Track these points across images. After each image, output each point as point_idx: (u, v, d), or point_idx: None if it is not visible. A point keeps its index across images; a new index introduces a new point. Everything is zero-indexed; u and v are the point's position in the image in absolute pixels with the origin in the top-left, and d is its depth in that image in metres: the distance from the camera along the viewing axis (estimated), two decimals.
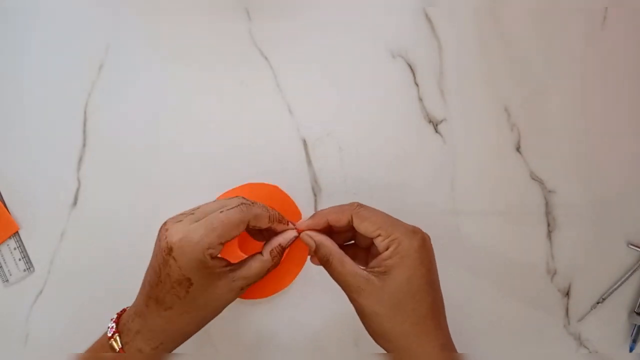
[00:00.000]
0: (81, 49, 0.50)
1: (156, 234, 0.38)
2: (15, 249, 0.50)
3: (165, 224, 0.38)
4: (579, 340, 0.53)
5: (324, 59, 0.51)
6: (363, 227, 0.39)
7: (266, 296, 0.49)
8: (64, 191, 0.50)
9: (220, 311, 0.39)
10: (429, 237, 0.40)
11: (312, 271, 0.50)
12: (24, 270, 0.50)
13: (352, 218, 0.39)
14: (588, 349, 0.54)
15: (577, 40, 0.52)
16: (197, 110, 0.51)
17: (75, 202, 0.50)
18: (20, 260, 0.50)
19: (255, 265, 0.40)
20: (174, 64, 0.50)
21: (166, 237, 0.36)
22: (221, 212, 0.38)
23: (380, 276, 0.38)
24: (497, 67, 0.51)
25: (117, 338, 0.39)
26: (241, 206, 0.38)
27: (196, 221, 0.37)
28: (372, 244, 0.40)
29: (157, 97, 0.51)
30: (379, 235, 0.38)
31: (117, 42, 0.50)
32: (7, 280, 0.50)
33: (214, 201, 0.41)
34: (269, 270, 0.40)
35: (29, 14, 0.50)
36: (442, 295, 0.40)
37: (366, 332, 0.40)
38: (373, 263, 0.39)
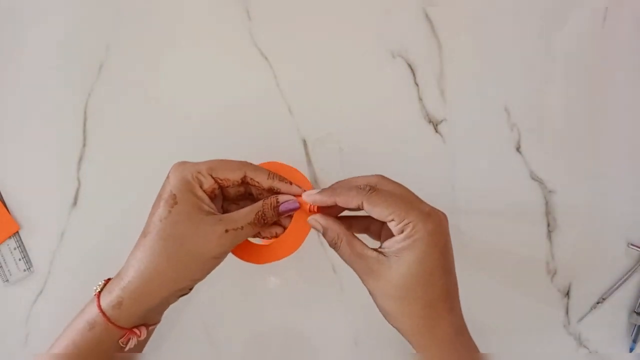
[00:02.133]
0: (81, 49, 0.50)
1: None
2: (15, 249, 0.50)
3: None
4: (579, 340, 0.53)
5: (324, 59, 0.51)
6: (375, 212, 0.38)
7: (268, 261, 0.46)
8: (64, 191, 0.50)
9: (200, 263, 0.38)
10: (445, 217, 0.39)
11: (311, 271, 0.50)
12: (24, 270, 0.50)
13: (362, 204, 0.38)
14: (588, 349, 0.54)
15: (577, 40, 0.52)
16: (197, 110, 0.51)
17: (75, 202, 0.50)
18: (20, 260, 0.50)
19: (244, 210, 0.39)
20: (174, 63, 0.50)
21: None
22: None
23: (391, 257, 0.37)
24: (497, 67, 0.52)
25: (101, 284, 0.40)
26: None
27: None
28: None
29: (157, 97, 0.51)
30: (392, 220, 0.37)
31: (117, 42, 0.50)
32: (7, 280, 0.50)
33: None
34: (259, 224, 0.39)
35: (28, 14, 0.50)
36: (456, 279, 0.40)
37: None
38: (386, 244, 0.38)
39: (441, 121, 0.52)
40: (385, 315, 0.39)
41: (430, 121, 0.52)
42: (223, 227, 0.38)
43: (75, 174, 0.50)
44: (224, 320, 0.52)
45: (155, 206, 0.39)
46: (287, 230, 0.42)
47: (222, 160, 0.40)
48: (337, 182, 0.42)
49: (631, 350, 0.53)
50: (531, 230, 0.52)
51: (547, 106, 0.52)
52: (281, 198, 0.40)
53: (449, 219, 0.51)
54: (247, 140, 0.51)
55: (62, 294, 0.50)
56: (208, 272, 0.39)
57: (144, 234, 0.39)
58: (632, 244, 0.52)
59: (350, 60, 0.51)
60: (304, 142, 0.51)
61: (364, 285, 0.39)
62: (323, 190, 0.40)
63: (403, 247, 0.37)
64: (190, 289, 0.40)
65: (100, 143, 0.50)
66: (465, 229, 0.52)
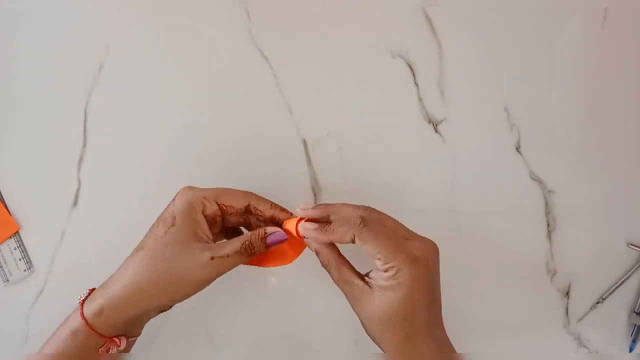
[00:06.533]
0: (81, 49, 0.50)
1: None
2: (15, 249, 0.50)
3: None
4: (579, 340, 0.53)
5: (324, 59, 0.51)
6: (365, 248, 0.39)
7: (270, 265, 0.46)
8: (64, 191, 0.50)
9: (182, 285, 0.39)
10: (435, 251, 0.39)
11: (311, 271, 0.50)
12: (24, 270, 0.50)
13: (354, 238, 0.39)
14: (588, 349, 0.54)
15: (577, 40, 0.52)
16: (197, 110, 0.51)
17: (75, 202, 0.50)
18: (20, 260, 0.50)
19: (234, 240, 0.40)
20: (174, 64, 0.50)
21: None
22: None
23: (376, 290, 0.38)
24: (497, 67, 0.51)
25: (85, 293, 0.41)
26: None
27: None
28: None
29: (157, 97, 0.51)
30: (379, 259, 0.38)
31: (117, 42, 0.50)
32: (7, 280, 0.50)
33: None
34: (246, 254, 0.40)
35: (28, 14, 0.50)
36: (440, 306, 0.40)
37: (366, 332, 0.41)
38: (372, 275, 0.40)
39: (441, 121, 0.52)
40: (369, 335, 0.40)
41: (430, 121, 0.52)
42: (209, 254, 0.39)
43: (75, 174, 0.50)
44: (224, 321, 0.52)
45: (155, 224, 0.41)
46: (286, 244, 0.42)
47: (228, 189, 0.42)
48: (328, 207, 0.42)
49: (631, 350, 0.53)
50: (531, 230, 0.52)
51: (547, 106, 0.52)
52: (269, 230, 0.41)
53: (449, 219, 0.51)
54: (247, 140, 0.51)
55: (62, 294, 0.50)
56: (189, 296, 0.40)
57: (137, 248, 0.40)
58: (632, 244, 0.52)
59: (350, 60, 0.51)
60: (304, 142, 0.51)
61: (352, 308, 0.40)
62: (318, 227, 0.40)
63: (387, 286, 0.38)
64: (170, 307, 0.41)
65: (100, 143, 0.50)
66: (465, 229, 0.52)
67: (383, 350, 0.40)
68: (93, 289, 0.41)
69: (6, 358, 0.51)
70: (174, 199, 0.41)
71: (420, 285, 0.38)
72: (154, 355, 0.51)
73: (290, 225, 0.42)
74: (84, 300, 0.40)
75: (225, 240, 0.46)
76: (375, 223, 0.39)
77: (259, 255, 0.43)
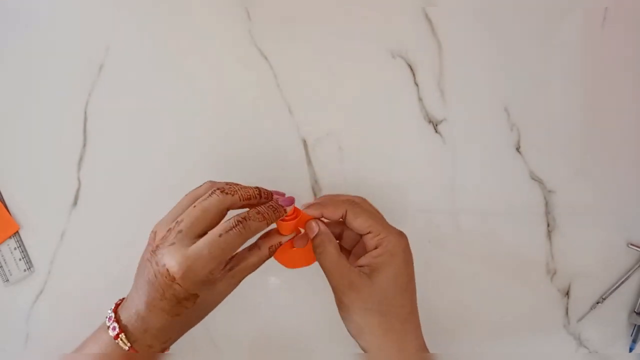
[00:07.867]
0: (81, 49, 0.50)
1: None
2: (15, 249, 0.50)
3: (157, 247, 0.38)
4: (579, 340, 0.53)
5: (324, 58, 0.51)
6: (356, 223, 0.41)
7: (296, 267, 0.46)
8: (64, 191, 0.50)
9: (220, 302, 0.41)
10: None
11: (311, 271, 0.50)
12: (24, 270, 0.50)
13: (346, 213, 0.41)
14: (588, 349, 0.54)
15: (577, 40, 0.52)
16: (196, 110, 0.51)
17: (75, 202, 0.50)
18: (20, 260, 0.50)
19: (253, 260, 0.41)
20: (174, 64, 0.50)
21: (165, 265, 0.37)
22: (220, 235, 0.37)
23: (370, 273, 0.40)
24: (497, 67, 0.52)
25: (123, 337, 0.39)
26: (238, 227, 0.38)
27: (188, 239, 0.37)
28: (356, 245, 0.43)
29: (157, 97, 0.51)
30: (369, 232, 0.40)
31: (117, 42, 0.50)
32: (7, 280, 0.50)
33: (189, 202, 0.40)
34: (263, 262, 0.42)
35: (28, 14, 0.50)
36: (415, 295, 0.42)
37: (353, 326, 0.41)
38: (362, 261, 0.41)
39: (441, 121, 0.52)
40: (358, 330, 0.40)
41: (430, 121, 0.52)
42: (237, 279, 0.40)
43: (75, 174, 0.50)
44: (224, 320, 0.52)
45: (172, 300, 0.37)
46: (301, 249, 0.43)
47: (223, 250, 0.37)
48: (322, 197, 0.45)
49: (631, 350, 0.53)
50: (531, 230, 0.52)
51: (547, 106, 0.52)
52: (283, 240, 0.42)
53: (449, 219, 0.51)
54: (247, 140, 0.51)
55: (62, 294, 0.50)
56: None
57: (171, 315, 0.38)
58: (632, 244, 0.52)
59: (350, 60, 0.51)
60: (304, 142, 0.51)
61: (341, 299, 0.40)
62: (310, 206, 0.42)
63: (380, 262, 0.40)
64: None
65: (100, 143, 0.50)
66: (465, 229, 0.52)
67: (367, 345, 0.40)
68: (117, 316, 0.40)
69: (6, 358, 0.51)
70: (175, 282, 0.37)
71: (408, 257, 0.41)
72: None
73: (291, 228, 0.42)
74: (118, 335, 0.39)
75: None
76: (365, 206, 0.42)
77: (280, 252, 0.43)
